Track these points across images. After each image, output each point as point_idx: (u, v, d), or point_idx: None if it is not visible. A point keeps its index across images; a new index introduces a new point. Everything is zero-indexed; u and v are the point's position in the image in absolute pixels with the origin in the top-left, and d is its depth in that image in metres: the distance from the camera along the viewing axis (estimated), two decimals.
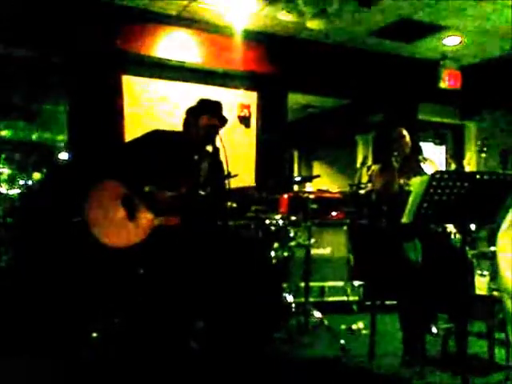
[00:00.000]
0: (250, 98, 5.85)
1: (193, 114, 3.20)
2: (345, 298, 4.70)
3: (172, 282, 2.89)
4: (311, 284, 4.14)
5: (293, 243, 3.88)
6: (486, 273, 3.50)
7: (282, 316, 3.70)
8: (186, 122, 3.22)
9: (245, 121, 5.79)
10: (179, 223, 2.94)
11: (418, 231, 3.26)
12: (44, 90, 6.38)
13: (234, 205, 3.33)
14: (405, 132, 3.62)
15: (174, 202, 2.95)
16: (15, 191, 5.55)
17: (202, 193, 3.02)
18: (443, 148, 7.42)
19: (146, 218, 2.90)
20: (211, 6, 5.07)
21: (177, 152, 3.10)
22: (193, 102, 3.30)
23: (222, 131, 3.19)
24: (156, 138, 3.15)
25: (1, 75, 5.60)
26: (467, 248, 3.20)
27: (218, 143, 3.15)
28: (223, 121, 3.21)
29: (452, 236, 3.46)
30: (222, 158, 3.10)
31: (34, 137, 8.66)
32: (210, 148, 3.19)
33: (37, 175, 6.78)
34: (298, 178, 4.12)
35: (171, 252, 2.89)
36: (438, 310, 3.50)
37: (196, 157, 3.21)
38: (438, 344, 3.38)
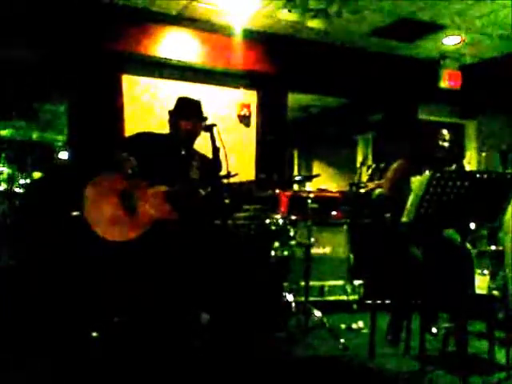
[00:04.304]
0: (250, 97, 5.85)
1: (172, 116, 3.24)
2: (345, 297, 4.69)
3: (172, 280, 2.89)
4: (311, 283, 4.13)
5: (293, 242, 3.88)
6: (486, 272, 3.50)
7: (282, 315, 3.70)
8: (170, 123, 3.26)
9: (245, 120, 5.79)
10: (178, 220, 2.93)
11: (421, 231, 3.26)
12: (44, 90, 6.37)
13: (227, 201, 3.31)
14: (448, 137, 3.57)
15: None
16: (15, 190, 5.55)
17: (202, 192, 3.02)
18: None
19: (145, 212, 2.90)
20: (211, 6, 5.07)
21: (163, 149, 3.12)
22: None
23: (220, 130, 3.15)
24: (142, 138, 3.19)
25: (1, 75, 5.60)
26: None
27: (217, 143, 3.14)
28: (202, 120, 3.19)
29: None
30: (222, 157, 3.09)
31: (34, 137, 8.66)
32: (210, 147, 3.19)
33: (37, 175, 6.78)
34: (297, 178, 4.09)
35: (171, 250, 2.89)
36: (439, 310, 3.50)
37: (183, 152, 3.22)
38: (438, 344, 3.38)
